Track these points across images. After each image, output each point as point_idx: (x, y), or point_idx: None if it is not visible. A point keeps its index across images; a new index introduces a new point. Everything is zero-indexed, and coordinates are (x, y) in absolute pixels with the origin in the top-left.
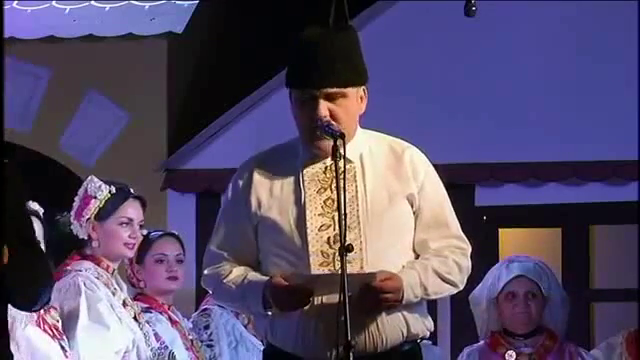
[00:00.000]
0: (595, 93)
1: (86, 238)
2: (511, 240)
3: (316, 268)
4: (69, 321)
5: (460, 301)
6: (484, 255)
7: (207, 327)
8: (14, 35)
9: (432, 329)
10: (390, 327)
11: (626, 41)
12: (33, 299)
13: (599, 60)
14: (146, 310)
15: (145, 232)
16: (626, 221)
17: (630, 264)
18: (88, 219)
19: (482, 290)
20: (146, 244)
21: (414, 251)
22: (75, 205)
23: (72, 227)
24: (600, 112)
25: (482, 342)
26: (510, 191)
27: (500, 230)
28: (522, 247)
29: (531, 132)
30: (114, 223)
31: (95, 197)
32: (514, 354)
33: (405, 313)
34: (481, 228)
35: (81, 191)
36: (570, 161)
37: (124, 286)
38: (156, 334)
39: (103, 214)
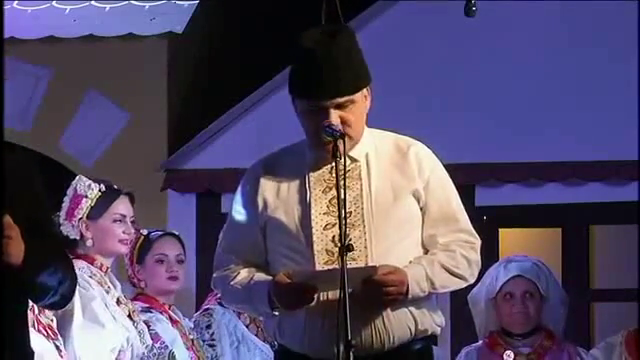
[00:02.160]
0: (595, 93)
1: (77, 238)
2: (511, 240)
3: (321, 267)
4: (63, 320)
5: (459, 301)
6: (484, 255)
7: (209, 327)
8: (14, 35)
9: (443, 324)
10: (397, 323)
11: (626, 41)
12: (34, 293)
13: (599, 60)
14: (146, 310)
15: (145, 231)
16: (626, 221)
17: (630, 264)
18: (80, 218)
19: (480, 290)
20: (147, 244)
21: (423, 247)
22: (65, 205)
23: (62, 227)
24: (600, 112)
25: (480, 342)
26: (510, 191)
27: (500, 230)
28: (522, 247)
29: (531, 132)
30: (107, 220)
31: (86, 196)
32: (512, 354)
33: (412, 308)
34: (481, 228)
35: (70, 191)
36: (570, 161)
37: (118, 284)
38: (156, 334)
39: (95, 212)
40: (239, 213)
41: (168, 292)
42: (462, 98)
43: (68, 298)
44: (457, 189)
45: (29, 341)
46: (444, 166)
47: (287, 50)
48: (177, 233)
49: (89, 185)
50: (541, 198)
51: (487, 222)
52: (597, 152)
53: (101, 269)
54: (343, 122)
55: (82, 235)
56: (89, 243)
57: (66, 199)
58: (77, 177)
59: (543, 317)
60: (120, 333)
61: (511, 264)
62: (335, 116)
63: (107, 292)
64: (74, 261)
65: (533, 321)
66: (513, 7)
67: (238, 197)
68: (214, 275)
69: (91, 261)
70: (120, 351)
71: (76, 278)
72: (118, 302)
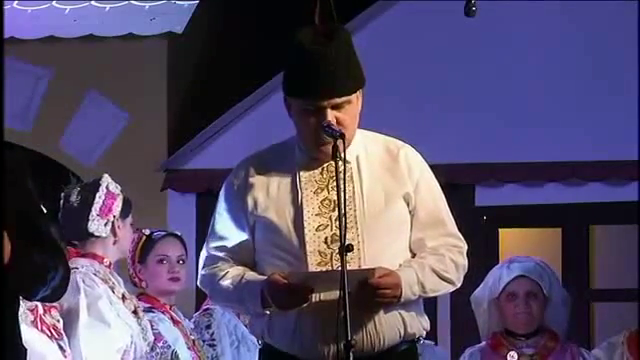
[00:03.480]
0: (595, 93)
1: (104, 235)
2: (511, 240)
3: (314, 268)
4: (69, 319)
5: (460, 301)
6: (484, 255)
7: (209, 327)
8: (14, 35)
9: (428, 328)
10: (388, 326)
11: (626, 41)
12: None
13: (599, 60)
14: (148, 310)
15: (147, 231)
16: (626, 221)
17: (630, 264)
18: (115, 215)
19: (483, 290)
20: (149, 244)
21: (411, 250)
22: (97, 203)
23: (92, 223)
24: (600, 112)
25: (484, 342)
26: (510, 191)
27: (500, 230)
28: (522, 247)
29: (531, 132)
30: (129, 222)
31: (119, 195)
32: (516, 355)
33: (402, 312)
34: (481, 228)
35: (102, 189)
36: (570, 161)
37: (120, 280)
38: (159, 333)
39: (124, 212)
40: (227, 210)
41: (169, 293)
42: (462, 98)
43: (59, 292)
44: (457, 189)
45: (21, 339)
46: (445, 166)
47: (286, 50)
48: (179, 234)
49: (116, 185)
50: (541, 198)
51: (487, 222)
52: (597, 152)
53: (109, 267)
54: (339, 123)
55: (114, 232)
56: (118, 240)
57: (97, 196)
58: (105, 176)
59: (546, 318)
60: (125, 333)
61: (514, 264)
62: (331, 116)
63: (112, 289)
64: (76, 259)
65: (536, 322)
66: (513, 7)
67: (226, 194)
68: (201, 272)
69: (100, 260)
70: (125, 351)
71: (68, 272)
72: (123, 298)
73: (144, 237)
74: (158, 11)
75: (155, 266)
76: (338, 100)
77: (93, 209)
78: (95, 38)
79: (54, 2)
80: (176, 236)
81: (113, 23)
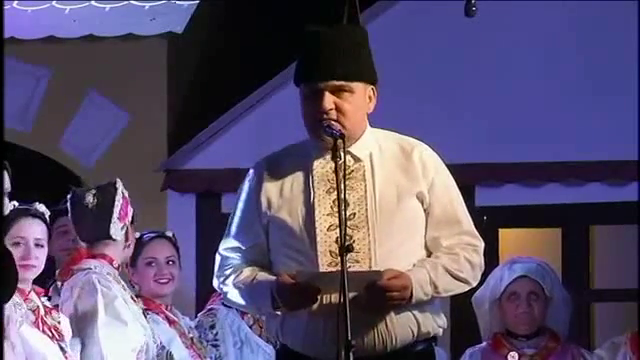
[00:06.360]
0: (595, 93)
1: (119, 239)
2: (511, 240)
3: (325, 268)
4: (85, 320)
5: (460, 302)
6: (485, 255)
7: (212, 327)
8: (14, 35)
9: (445, 326)
10: (400, 325)
11: (626, 41)
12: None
13: (599, 60)
14: (143, 312)
15: (137, 234)
16: (626, 221)
17: (630, 264)
18: (129, 220)
19: (485, 291)
20: (138, 247)
21: (427, 249)
22: (117, 206)
23: (112, 226)
24: (600, 112)
25: (485, 343)
26: (510, 191)
27: (500, 230)
28: (522, 247)
29: (531, 132)
30: (133, 228)
31: (129, 201)
32: (516, 355)
33: (415, 311)
34: (481, 228)
35: (119, 192)
36: (570, 161)
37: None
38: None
39: (133, 218)
40: (242, 212)
41: (159, 295)
42: (462, 98)
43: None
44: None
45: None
46: (445, 166)
47: (287, 50)
48: (170, 234)
49: (125, 191)
50: (541, 198)
51: (487, 222)
52: (597, 152)
53: (118, 269)
54: (338, 109)
55: (127, 237)
56: (129, 245)
57: (116, 200)
58: (117, 180)
59: (547, 318)
60: (140, 333)
61: (516, 265)
62: (329, 100)
63: (124, 289)
64: (88, 261)
65: (537, 322)
66: (513, 7)
67: (241, 196)
68: (215, 274)
69: (110, 261)
70: (139, 351)
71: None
72: (132, 299)
73: (134, 240)
74: (158, 11)
75: (144, 269)
76: (336, 83)
77: (114, 212)
78: (95, 38)
79: (54, 2)
80: (165, 237)
81: (113, 23)
